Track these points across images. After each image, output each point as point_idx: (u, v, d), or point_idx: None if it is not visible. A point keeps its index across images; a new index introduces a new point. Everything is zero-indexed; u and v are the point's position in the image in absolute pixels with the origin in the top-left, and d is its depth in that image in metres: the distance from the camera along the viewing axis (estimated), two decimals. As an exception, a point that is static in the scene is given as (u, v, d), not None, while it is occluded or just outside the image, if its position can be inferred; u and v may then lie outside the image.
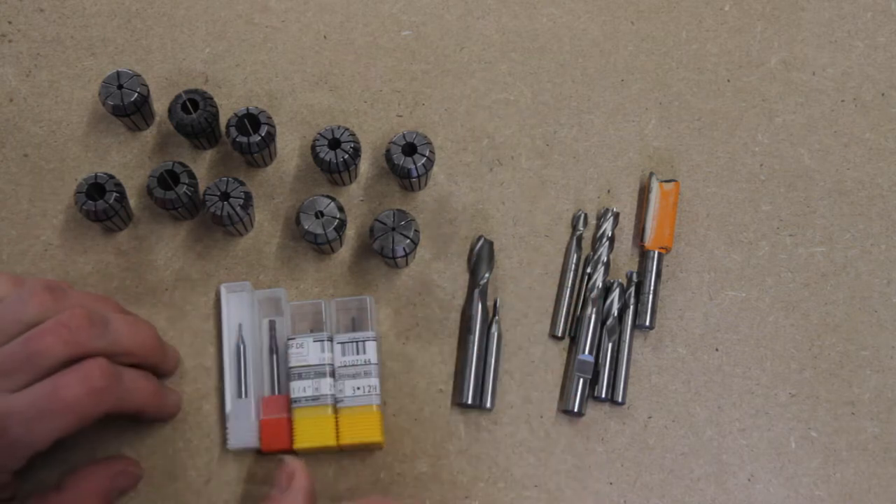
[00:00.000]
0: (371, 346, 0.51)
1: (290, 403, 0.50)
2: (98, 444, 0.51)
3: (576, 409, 0.52)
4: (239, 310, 0.53)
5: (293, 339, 0.51)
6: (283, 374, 0.51)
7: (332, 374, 0.51)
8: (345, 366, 0.51)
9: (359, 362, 0.51)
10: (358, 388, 0.50)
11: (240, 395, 0.51)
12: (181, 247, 0.54)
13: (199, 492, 0.51)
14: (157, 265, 0.54)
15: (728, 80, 0.59)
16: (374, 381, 0.51)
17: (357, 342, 0.51)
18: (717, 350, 0.54)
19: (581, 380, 0.52)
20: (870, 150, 0.58)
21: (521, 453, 0.52)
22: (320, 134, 0.52)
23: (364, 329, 0.52)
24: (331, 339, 0.51)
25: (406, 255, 0.52)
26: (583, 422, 0.53)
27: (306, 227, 0.51)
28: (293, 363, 0.50)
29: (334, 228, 0.51)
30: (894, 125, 0.58)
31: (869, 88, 0.59)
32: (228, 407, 0.51)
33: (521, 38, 0.59)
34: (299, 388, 0.50)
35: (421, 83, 0.58)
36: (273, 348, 0.52)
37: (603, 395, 0.52)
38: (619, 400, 0.53)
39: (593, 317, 0.53)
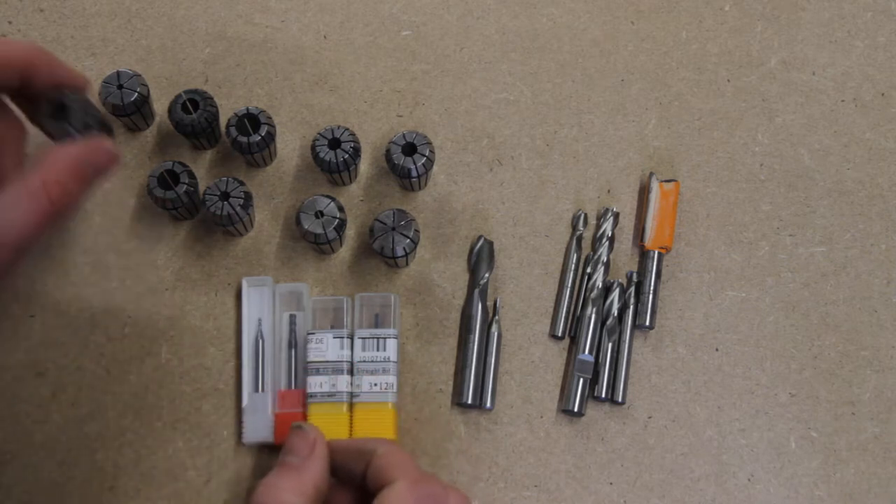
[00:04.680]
0: (392, 344, 0.51)
1: (305, 398, 0.51)
2: (98, 444, 0.51)
3: (576, 409, 0.52)
4: (259, 304, 0.53)
5: (312, 333, 0.51)
6: (300, 369, 0.52)
7: (350, 372, 0.51)
8: (363, 361, 0.51)
9: (378, 359, 0.51)
10: (375, 385, 0.50)
11: (256, 390, 0.51)
12: (181, 247, 0.54)
13: (199, 492, 0.51)
14: (157, 265, 0.54)
15: (728, 80, 0.59)
16: (392, 379, 0.51)
17: (378, 339, 0.51)
18: (717, 350, 0.54)
19: (581, 380, 0.52)
20: (870, 150, 0.58)
21: (521, 453, 0.52)
22: (320, 134, 0.52)
23: (387, 326, 0.52)
24: (350, 337, 0.51)
25: (406, 255, 0.52)
26: (583, 422, 0.53)
27: (306, 227, 0.51)
28: (311, 358, 0.51)
29: (334, 228, 0.51)
30: (894, 125, 0.58)
31: (869, 88, 0.59)
32: (245, 401, 0.51)
33: (521, 38, 0.59)
34: (315, 384, 0.50)
35: (421, 83, 0.58)
36: (292, 343, 0.52)
37: (603, 395, 0.52)
38: (619, 400, 0.53)
39: (593, 317, 0.53)
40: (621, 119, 0.58)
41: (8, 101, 0.47)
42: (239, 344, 0.53)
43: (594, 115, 0.58)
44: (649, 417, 0.53)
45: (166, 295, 0.54)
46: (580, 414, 0.52)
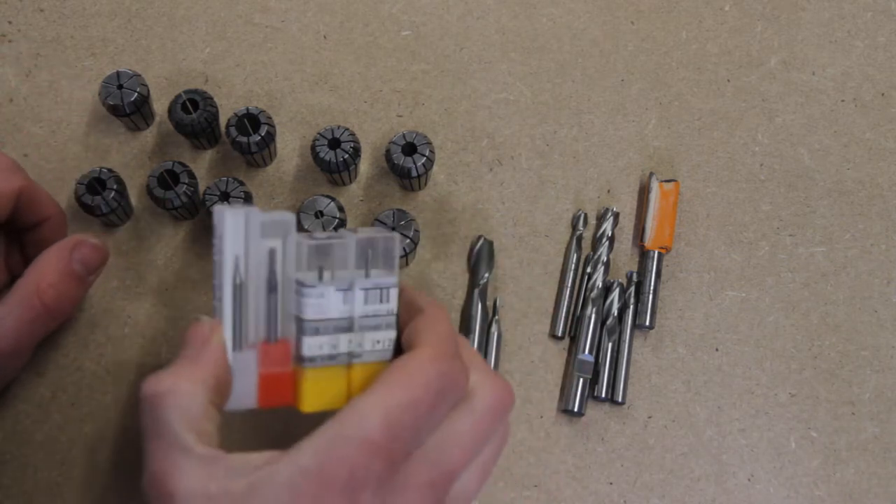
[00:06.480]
0: (394, 294, 0.43)
1: (291, 352, 0.42)
2: (98, 444, 0.51)
3: (576, 409, 0.52)
4: (236, 240, 0.41)
5: (312, 287, 0.41)
6: (283, 315, 0.42)
7: (351, 328, 0.42)
8: (366, 315, 0.42)
9: (381, 312, 0.43)
10: (378, 342, 0.43)
11: (238, 348, 0.41)
12: (181, 247, 0.54)
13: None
14: (157, 265, 0.54)
15: (728, 80, 0.59)
16: (393, 334, 0.43)
17: (381, 289, 0.43)
18: (717, 350, 0.54)
19: (581, 380, 0.52)
20: (870, 150, 0.58)
21: (521, 453, 0.52)
22: (320, 134, 0.52)
23: (389, 272, 0.43)
24: (351, 288, 0.42)
25: (406, 255, 0.52)
26: (583, 422, 0.53)
27: (306, 227, 0.51)
28: (311, 315, 0.41)
29: (334, 228, 0.51)
30: (894, 125, 0.58)
31: (869, 88, 0.59)
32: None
33: (521, 38, 0.59)
34: (315, 346, 0.41)
35: (421, 83, 0.58)
36: (272, 284, 0.42)
37: (603, 395, 0.52)
38: (619, 400, 0.53)
39: (593, 317, 0.53)
40: (621, 119, 0.58)
41: None
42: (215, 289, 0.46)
43: (594, 115, 0.58)
44: (649, 417, 0.53)
45: (166, 295, 0.54)
46: (580, 414, 0.52)
